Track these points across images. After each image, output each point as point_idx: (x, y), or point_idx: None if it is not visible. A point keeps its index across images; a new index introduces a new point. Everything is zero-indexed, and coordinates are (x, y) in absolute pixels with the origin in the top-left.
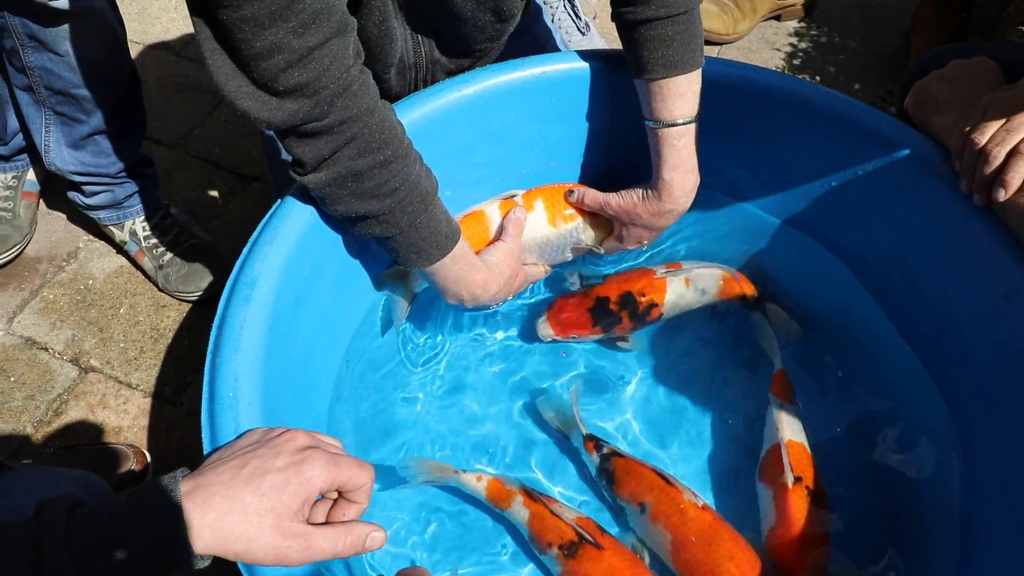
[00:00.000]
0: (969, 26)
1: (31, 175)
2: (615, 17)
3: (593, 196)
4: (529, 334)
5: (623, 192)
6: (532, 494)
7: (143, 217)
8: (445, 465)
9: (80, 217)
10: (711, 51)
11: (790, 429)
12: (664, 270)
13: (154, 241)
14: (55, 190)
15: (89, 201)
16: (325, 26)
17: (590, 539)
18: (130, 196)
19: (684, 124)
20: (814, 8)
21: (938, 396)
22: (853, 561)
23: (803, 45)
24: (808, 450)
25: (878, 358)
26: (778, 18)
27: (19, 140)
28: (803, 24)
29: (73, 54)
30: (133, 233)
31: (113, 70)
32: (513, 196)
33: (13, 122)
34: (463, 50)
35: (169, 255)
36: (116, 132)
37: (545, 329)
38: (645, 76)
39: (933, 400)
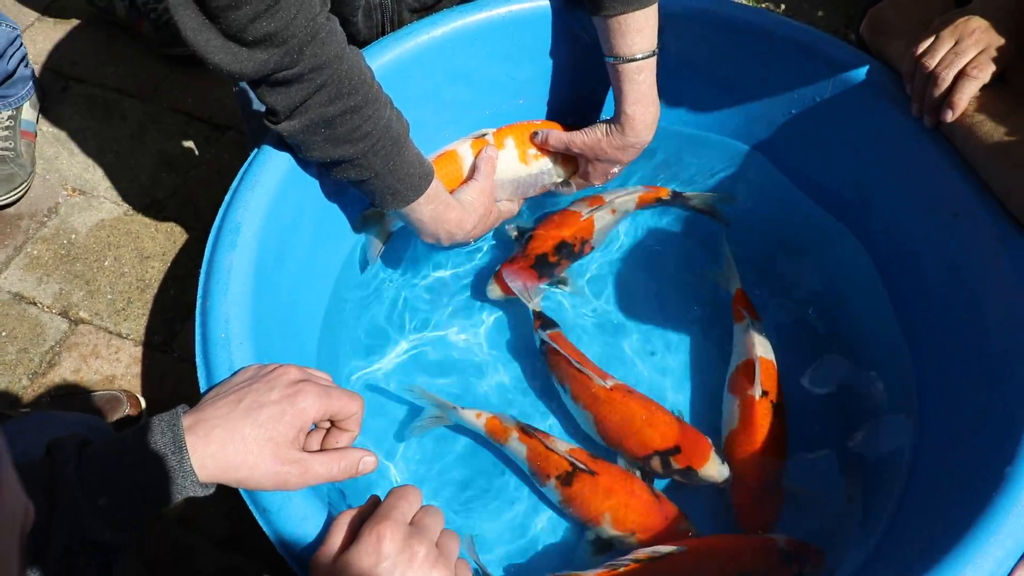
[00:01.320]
0: None
1: (26, 114)
2: None
3: (557, 136)
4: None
5: (586, 129)
6: (527, 430)
7: None
8: (443, 400)
9: (57, 173)
10: None
11: (761, 346)
12: (588, 208)
13: (151, 6)
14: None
15: None
16: None
17: (583, 467)
18: None
19: (644, 59)
20: None
21: (893, 317)
22: (805, 478)
23: None
24: (775, 366)
25: (841, 279)
26: None
27: (4, 65)
28: None
29: None
30: (131, 3)
31: None
32: (484, 135)
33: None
34: None
35: (165, 16)
36: None
37: (495, 291)
38: (603, 13)
39: (889, 322)
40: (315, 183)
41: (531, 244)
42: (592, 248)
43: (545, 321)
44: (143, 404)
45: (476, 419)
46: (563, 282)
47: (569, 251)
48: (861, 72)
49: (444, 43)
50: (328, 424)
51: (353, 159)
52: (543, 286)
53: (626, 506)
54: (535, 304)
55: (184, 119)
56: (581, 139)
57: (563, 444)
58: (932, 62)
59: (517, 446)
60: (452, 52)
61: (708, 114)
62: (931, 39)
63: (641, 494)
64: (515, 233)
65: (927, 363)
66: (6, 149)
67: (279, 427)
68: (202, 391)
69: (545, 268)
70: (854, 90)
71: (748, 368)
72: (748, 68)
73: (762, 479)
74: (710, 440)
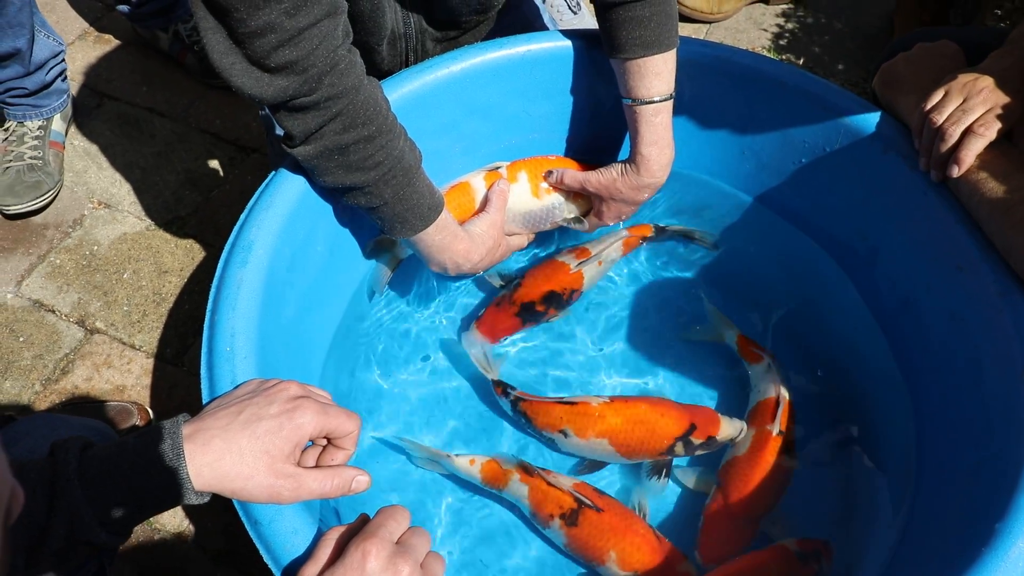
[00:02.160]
0: (951, 9)
1: (56, 124)
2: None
3: (572, 175)
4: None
5: (602, 169)
6: (528, 468)
7: (183, 21)
8: (435, 450)
9: (85, 186)
10: (699, 31)
11: (783, 386)
12: (576, 261)
13: (195, 39)
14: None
15: (140, 11)
16: (316, 7)
17: (588, 503)
18: (172, 3)
19: (661, 101)
20: None
21: (893, 363)
22: (802, 520)
23: (790, 26)
24: (792, 407)
25: (843, 327)
26: (766, 1)
27: (42, 76)
28: (791, 5)
29: None
30: (176, 34)
31: None
32: (498, 168)
33: (38, 52)
34: (451, 21)
35: None
36: None
37: (476, 338)
38: (622, 56)
39: (889, 367)
40: (329, 208)
41: (518, 292)
42: (582, 295)
43: (506, 387)
44: (151, 415)
45: (470, 466)
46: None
47: (558, 301)
48: (871, 125)
49: (463, 78)
50: (325, 441)
51: (364, 186)
52: (501, 350)
53: (632, 545)
54: (493, 374)
55: (211, 140)
56: (596, 179)
57: (567, 479)
58: (940, 118)
59: (518, 488)
60: (470, 87)
61: (717, 160)
62: (940, 95)
63: (645, 534)
64: (498, 282)
65: (926, 412)
66: (35, 158)
67: (276, 441)
68: (204, 402)
69: (531, 315)
70: (864, 142)
71: (769, 405)
72: (759, 116)
73: (743, 511)
74: (709, 407)
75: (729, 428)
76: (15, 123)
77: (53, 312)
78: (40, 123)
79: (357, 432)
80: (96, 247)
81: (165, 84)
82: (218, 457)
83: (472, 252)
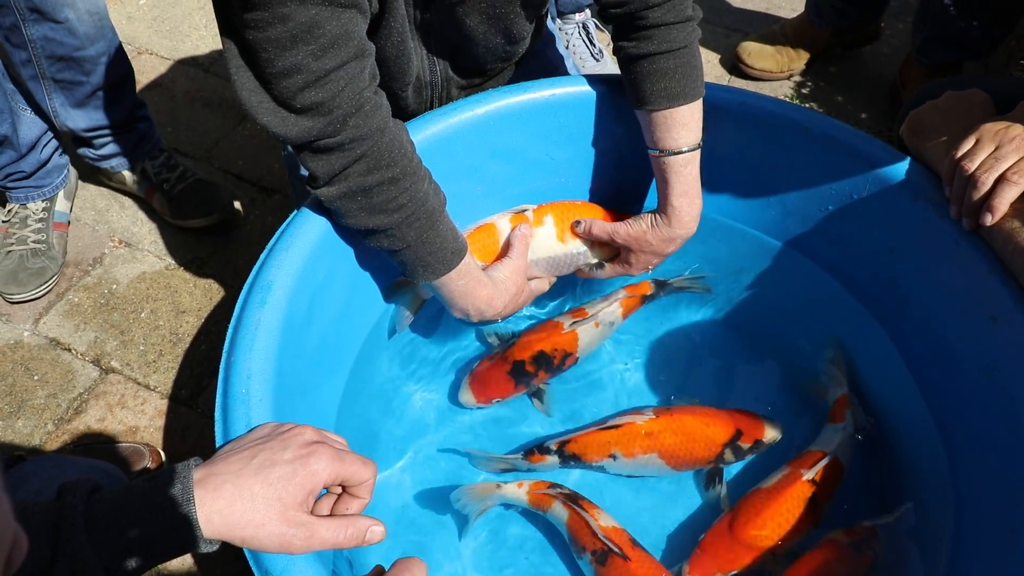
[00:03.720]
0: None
1: (60, 204)
2: (616, 51)
3: (600, 226)
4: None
5: (630, 221)
6: (571, 497)
7: (150, 157)
8: (488, 484)
9: (107, 225)
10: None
11: (841, 449)
12: (571, 321)
13: (163, 177)
14: (83, 198)
15: (100, 152)
16: (343, 50)
17: (617, 551)
18: (136, 141)
19: (689, 152)
20: (877, 36)
21: (928, 415)
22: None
23: (812, 75)
24: (841, 476)
25: (874, 375)
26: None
27: (37, 155)
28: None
29: (72, 19)
30: (143, 173)
31: (103, 26)
32: (524, 211)
33: (26, 133)
34: (476, 69)
35: (178, 188)
36: (114, 83)
37: (468, 396)
38: (648, 107)
39: (923, 419)
40: (350, 249)
41: (510, 349)
42: (575, 361)
43: (542, 446)
44: (163, 458)
45: (518, 490)
46: (539, 394)
47: (548, 364)
48: (900, 172)
49: (487, 121)
50: (340, 489)
51: (387, 229)
52: (517, 395)
53: None
54: (493, 467)
55: (233, 180)
56: (625, 231)
57: (605, 519)
58: (972, 165)
59: (560, 511)
60: (494, 130)
61: (744, 206)
62: (972, 143)
63: None
64: (494, 339)
65: (961, 468)
66: (39, 242)
67: (289, 487)
68: (217, 445)
69: (521, 376)
70: (892, 189)
71: (816, 456)
72: (785, 163)
73: (744, 537)
74: (749, 410)
75: (772, 430)
76: (17, 205)
77: (69, 351)
78: (43, 204)
79: (373, 480)
80: (115, 286)
81: (188, 125)
82: (229, 503)
83: (495, 299)
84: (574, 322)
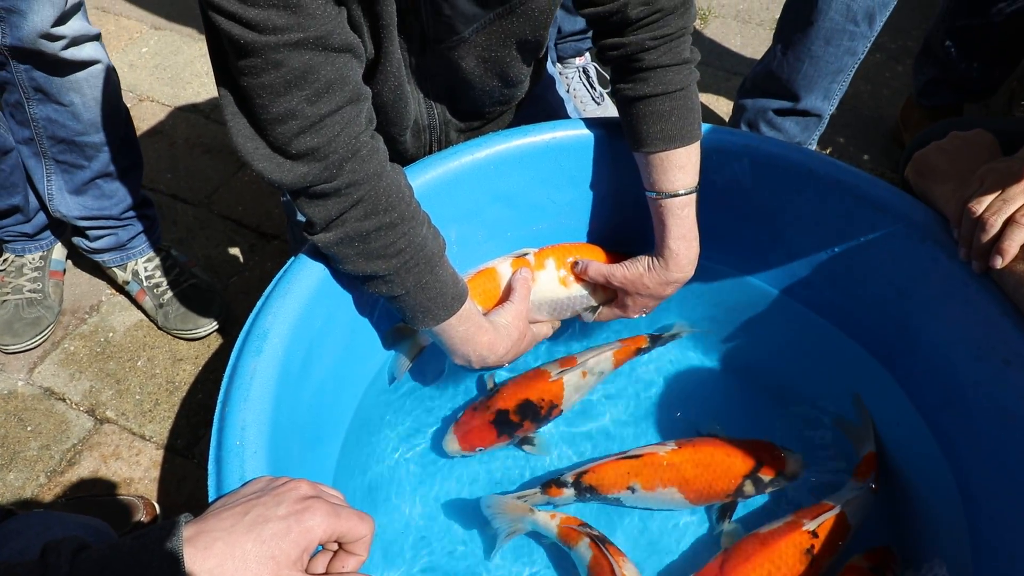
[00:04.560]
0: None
1: (57, 253)
2: (614, 93)
3: (596, 268)
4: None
5: (627, 263)
6: (596, 539)
7: (145, 258)
8: (521, 504)
9: (103, 271)
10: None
11: (852, 509)
12: (558, 369)
13: (155, 281)
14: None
15: (94, 245)
16: (338, 95)
17: None
18: (133, 238)
19: (686, 194)
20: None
21: (943, 461)
22: None
23: None
24: (847, 535)
25: (885, 423)
26: None
27: (43, 217)
28: None
29: (78, 103)
30: (135, 273)
31: (112, 115)
32: (526, 254)
33: (36, 200)
34: (474, 112)
35: (169, 294)
36: (116, 174)
37: (452, 445)
38: (644, 149)
39: (938, 467)
40: (348, 296)
41: (494, 398)
42: (561, 412)
43: (558, 480)
44: (158, 510)
45: (550, 521)
46: (529, 442)
47: (534, 413)
48: (906, 214)
49: (487, 164)
50: (336, 546)
51: (385, 275)
52: (502, 444)
53: None
54: (532, 501)
55: (232, 226)
56: (622, 273)
57: (630, 568)
58: (980, 208)
59: (585, 551)
60: (495, 173)
61: (745, 249)
62: (978, 184)
63: None
64: (491, 383)
65: (978, 518)
66: (35, 291)
67: (282, 545)
68: (210, 499)
69: (506, 426)
70: (899, 232)
71: (824, 508)
72: (789, 206)
73: None
74: (769, 441)
75: (793, 463)
76: (13, 255)
77: (63, 400)
78: (41, 254)
79: (370, 536)
80: (111, 334)
81: (188, 171)
82: (219, 563)
83: (497, 344)
84: (561, 371)
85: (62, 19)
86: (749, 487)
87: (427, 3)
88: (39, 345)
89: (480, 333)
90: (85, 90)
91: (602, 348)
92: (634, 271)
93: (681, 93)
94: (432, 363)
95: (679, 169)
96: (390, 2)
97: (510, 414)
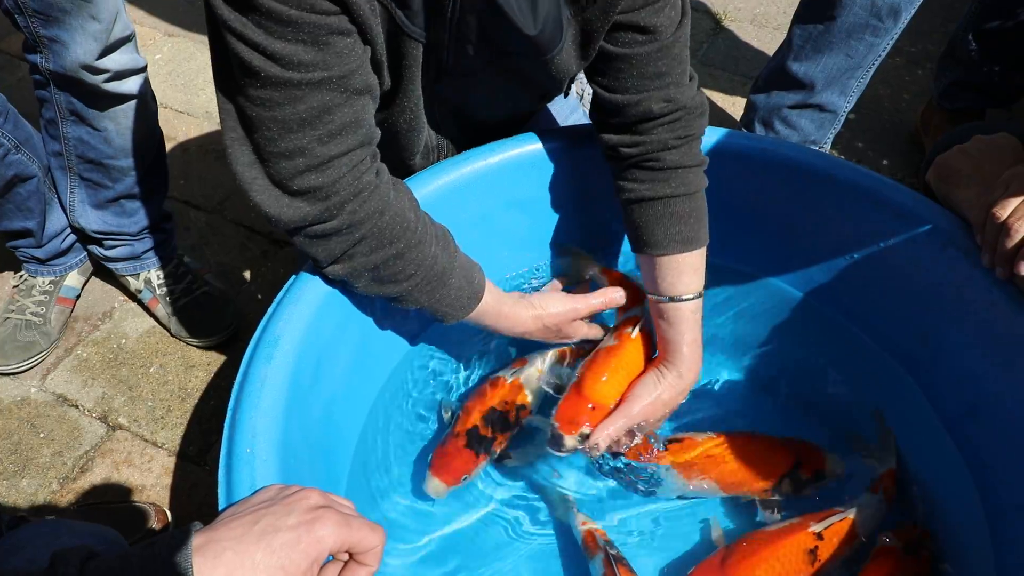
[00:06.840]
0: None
1: (70, 280)
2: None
3: (616, 430)
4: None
5: (637, 393)
6: (612, 558)
7: (159, 267)
8: (568, 495)
9: (116, 278)
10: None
11: (863, 518)
12: (511, 371)
13: (167, 289)
14: None
15: (108, 253)
16: (350, 138)
17: None
18: (148, 249)
19: (696, 298)
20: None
21: (967, 473)
22: None
23: None
24: (854, 543)
25: (907, 435)
26: None
27: (56, 244)
28: None
29: (111, 130)
30: (148, 282)
31: (143, 142)
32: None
33: (51, 225)
34: (483, 134)
35: (182, 302)
36: (140, 195)
37: (434, 484)
38: (657, 251)
39: (962, 478)
40: (361, 301)
41: (457, 424)
42: (530, 412)
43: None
44: (170, 517)
45: (581, 526)
46: (508, 457)
47: (503, 420)
48: (928, 219)
49: (499, 170)
50: (347, 556)
51: (399, 296)
52: (484, 465)
53: None
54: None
55: (245, 233)
56: (639, 407)
57: None
58: (1004, 212)
59: (599, 566)
60: (507, 179)
61: (765, 255)
62: (1003, 189)
63: None
64: (447, 414)
65: (1001, 532)
66: (36, 315)
67: (292, 555)
68: (220, 508)
69: (481, 445)
70: (920, 238)
71: (831, 512)
72: (808, 211)
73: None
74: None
75: (833, 464)
76: (27, 274)
77: (76, 407)
78: (51, 278)
79: (381, 547)
80: (124, 340)
81: (200, 177)
82: (229, 572)
83: (517, 328)
84: (515, 372)
85: (107, 51)
86: (787, 486)
87: (453, 41)
88: (26, 371)
89: (500, 320)
90: (121, 119)
91: (547, 350)
92: (647, 395)
93: (699, 195)
94: (445, 371)
95: (693, 272)
96: (416, 45)
97: (479, 430)
